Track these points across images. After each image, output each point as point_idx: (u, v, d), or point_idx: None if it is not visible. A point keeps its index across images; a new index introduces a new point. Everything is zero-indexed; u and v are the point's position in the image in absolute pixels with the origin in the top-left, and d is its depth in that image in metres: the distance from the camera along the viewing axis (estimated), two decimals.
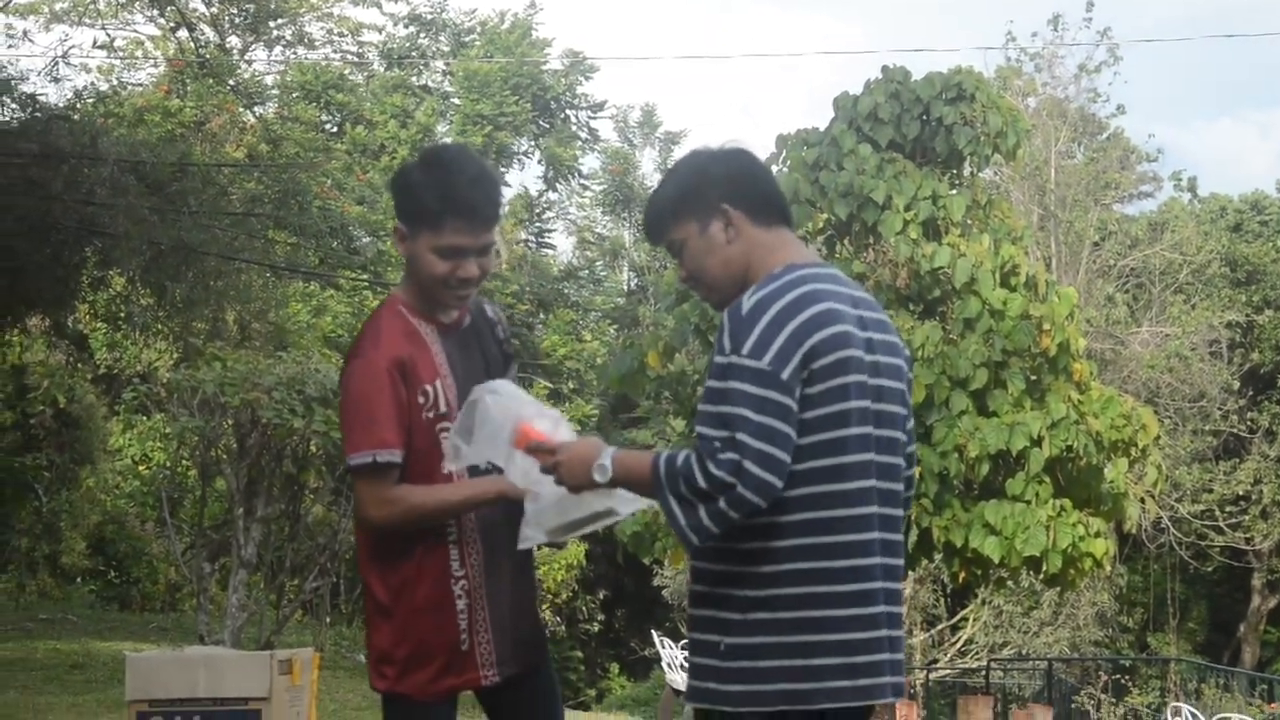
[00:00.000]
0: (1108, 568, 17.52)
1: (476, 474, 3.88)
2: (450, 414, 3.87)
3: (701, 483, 3.26)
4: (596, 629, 29.53)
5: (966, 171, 17.79)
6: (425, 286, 3.93)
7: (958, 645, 28.43)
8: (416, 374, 3.86)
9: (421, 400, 3.86)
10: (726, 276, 3.60)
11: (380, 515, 3.82)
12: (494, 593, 3.93)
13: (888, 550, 3.46)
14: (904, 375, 3.59)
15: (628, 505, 3.65)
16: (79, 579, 25.38)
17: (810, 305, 3.37)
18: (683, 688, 14.75)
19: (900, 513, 3.53)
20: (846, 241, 16.58)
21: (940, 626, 28.26)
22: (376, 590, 3.93)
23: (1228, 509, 32.59)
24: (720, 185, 3.57)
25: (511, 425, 3.72)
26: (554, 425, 3.74)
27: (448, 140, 33.96)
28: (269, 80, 33.14)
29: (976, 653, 28.24)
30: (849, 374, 3.37)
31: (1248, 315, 34.64)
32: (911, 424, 3.64)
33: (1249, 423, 33.67)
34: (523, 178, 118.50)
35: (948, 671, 28.06)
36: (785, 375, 3.29)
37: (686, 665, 3.54)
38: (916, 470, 3.73)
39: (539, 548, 4.19)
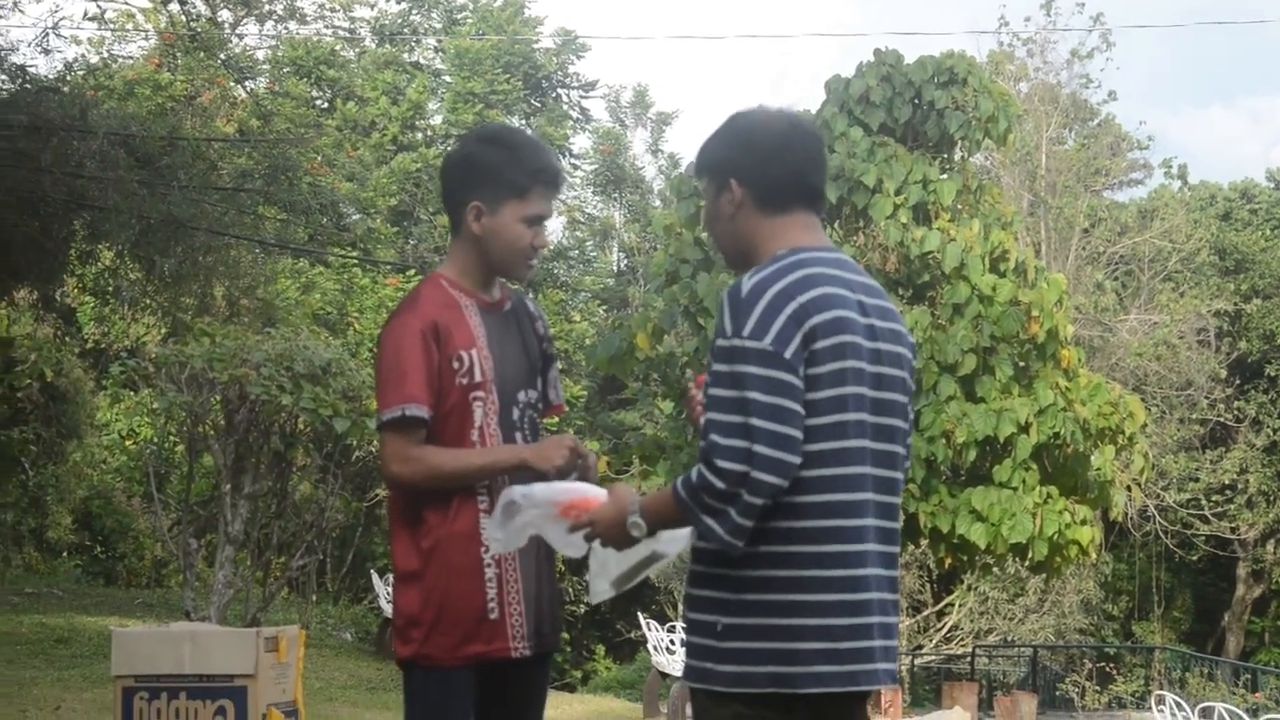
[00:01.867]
0: (1093, 555, 17.53)
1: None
2: (484, 384, 3.96)
3: (718, 483, 3.25)
4: (583, 611, 29.51)
5: (957, 156, 17.78)
6: (505, 258, 4.06)
7: (943, 631, 28.50)
8: (451, 339, 3.94)
9: (456, 365, 3.93)
10: (730, 245, 3.64)
11: (403, 472, 3.89)
12: (525, 566, 3.98)
13: (883, 538, 3.45)
14: (906, 363, 3.58)
15: (672, 546, 3.65)
16: (65, 554, 25.37)
17: (809, 288, 3.36)
18: (669, 670, 14.75)
19: (898, 500, 3.53)
20: (836, 225, 16.58)
21: (925, 612, 28.32)
22: (406, 554, 3.96)
23: (1214, 498, 32.68)
24: (738, 162, 3.57)
25: (554, 502, 3.74)
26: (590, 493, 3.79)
27: (435, 116, 33.89)
28: (260, 55, 33.06)
29: (962, 639, 28.30)
30: (846, 359, 3.36)
31: (1236, 304, 34.68)
32: (912, 414, 3.63)
33: (1236, 411, 33.74)
34: None
35: (933, 658, 28.12)
36: (788, 354, 3.28)
37: (685, 644, 3.53)
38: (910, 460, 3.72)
39: None
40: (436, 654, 3.92)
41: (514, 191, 4.01)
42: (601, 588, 3.78)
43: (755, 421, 3.23)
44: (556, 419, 4.59)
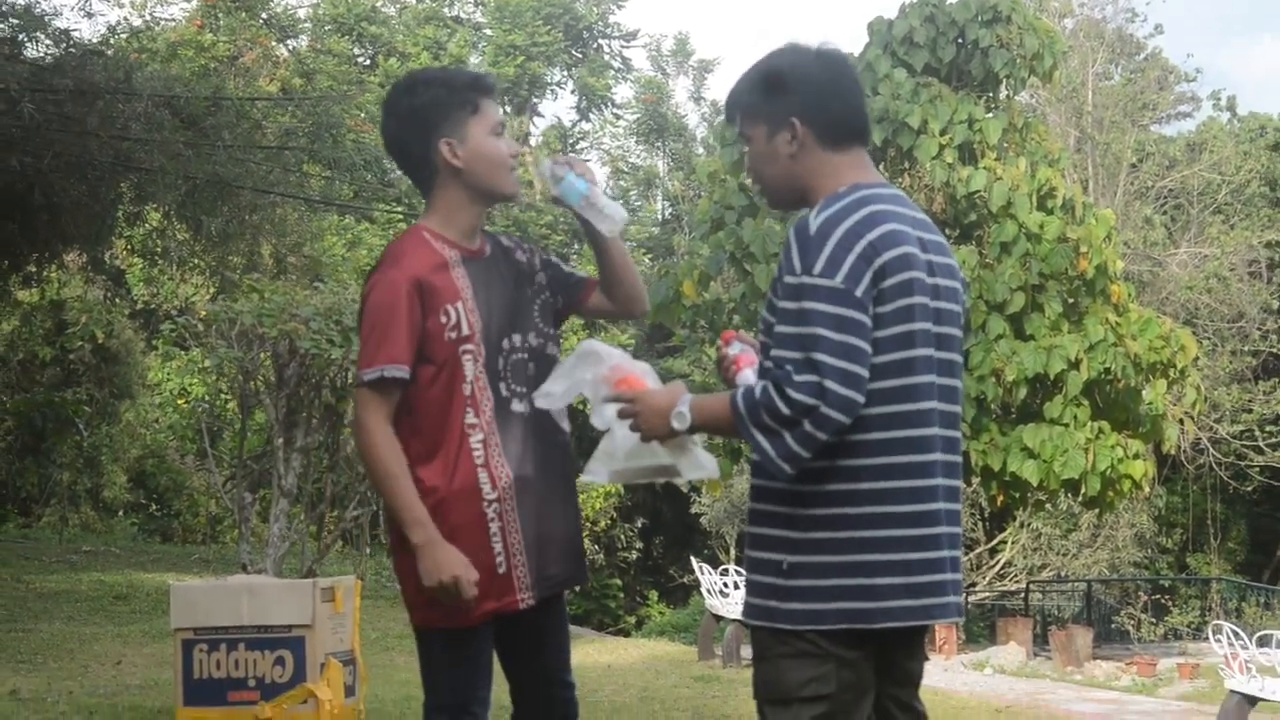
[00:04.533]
0: (1146, 489, 17.49)
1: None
2: (472, 337, 3.88)
3: (784, 409, 3.23)
4: (635, 557, 29.63)
5: (1003, 95, 17.68)
6: (492, 176, 4.00)
7: (996, 568, 28.48)
8: (437, 294, 3.87)
9: (444, 320, 3.86)
10: (784, 187, 3.58)
11: (370, 440, 3.82)
12: (525, 514, 3.91)
13: (949, 472, 3.46)
14: (960, 299, 3.58)
15: (692, 471, 3.62)
16: (121, 512, 25.62)
17: (877, 225, 3.35)
18: (722, 613, 14.80)
19: (959, 435, 3.53)
20: (881, 167, 16.52)
21: (978, 550, 28.30)
22: None
23: (1267, 429, 32.45)
24: (796, 97, 3.51)
25: (610, 366, 3.72)
26: (648, 378, 3.76)
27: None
28: (301, 13, 33.06)
29: (1015, 575, 28.29)
30: (913, 295, 3.36)
31: None
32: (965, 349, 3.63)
33: None
34: (556, 108, 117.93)
35: (986, 594, 28.13)
36: (859, 292, 3.27)
37: (745, 584, 3.51)
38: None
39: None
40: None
41: (469, 109, 3.98)
42: (598, 470, 3.72)
43: (824, 358, 3.22)
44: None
